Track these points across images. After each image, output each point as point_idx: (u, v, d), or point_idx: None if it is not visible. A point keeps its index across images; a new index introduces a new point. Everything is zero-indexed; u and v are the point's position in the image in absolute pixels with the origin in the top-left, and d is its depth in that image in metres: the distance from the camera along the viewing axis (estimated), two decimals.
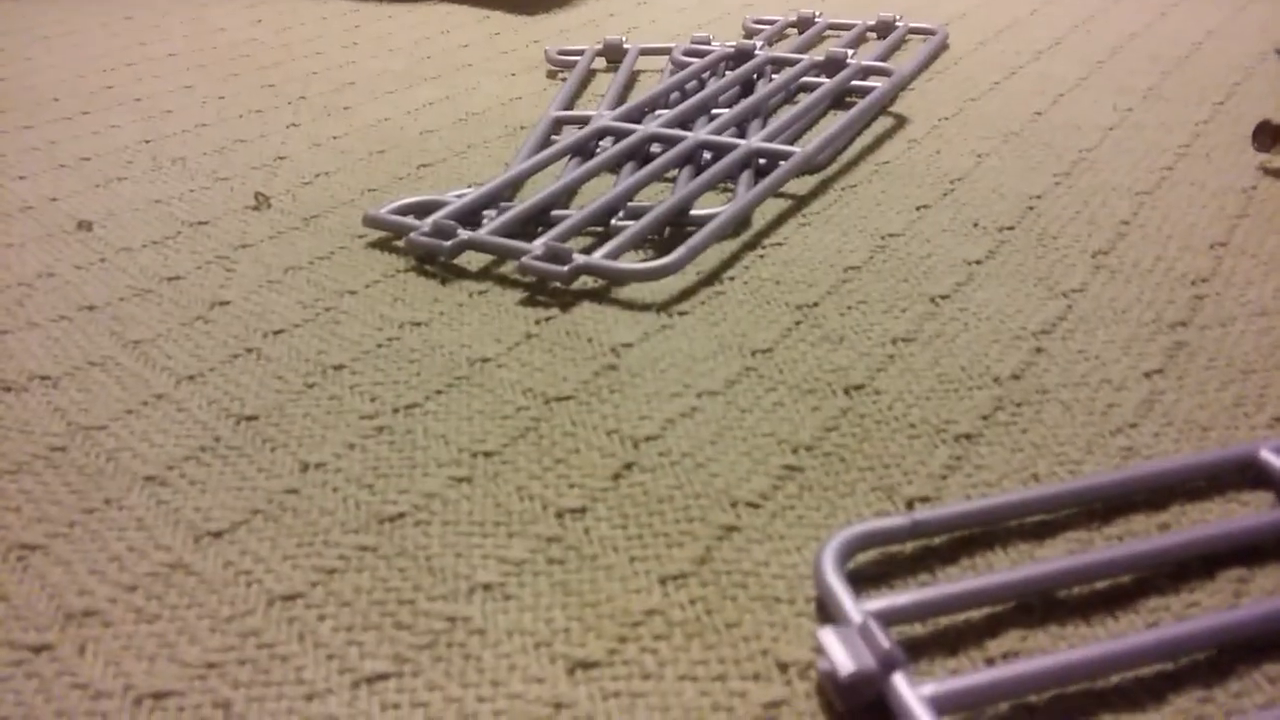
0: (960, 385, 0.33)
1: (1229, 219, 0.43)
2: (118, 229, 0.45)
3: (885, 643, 0.20)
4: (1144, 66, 0.62)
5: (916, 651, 0.23)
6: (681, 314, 0.38)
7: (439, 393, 0.33)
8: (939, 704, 0.19)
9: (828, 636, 0.21)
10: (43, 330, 0.37)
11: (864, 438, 0.31)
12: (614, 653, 0.23)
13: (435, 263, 0.42)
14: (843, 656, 0.20)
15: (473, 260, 0.42)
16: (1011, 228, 0.43)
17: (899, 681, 0.20)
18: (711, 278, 0.40)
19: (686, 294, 0.39)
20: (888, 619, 0.21)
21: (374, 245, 0.44)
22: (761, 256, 0.42)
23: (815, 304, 0.38)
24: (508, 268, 0.41)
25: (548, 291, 0.39)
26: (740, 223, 0.44)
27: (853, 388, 0.33)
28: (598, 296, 0.39)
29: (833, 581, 0.22)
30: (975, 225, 0.43)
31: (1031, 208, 0.45)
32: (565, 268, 0.38)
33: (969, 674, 0.20)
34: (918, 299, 0.38)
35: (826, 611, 0.23)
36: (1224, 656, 0.22)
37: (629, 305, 0.38)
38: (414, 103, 0.62)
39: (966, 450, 0.30)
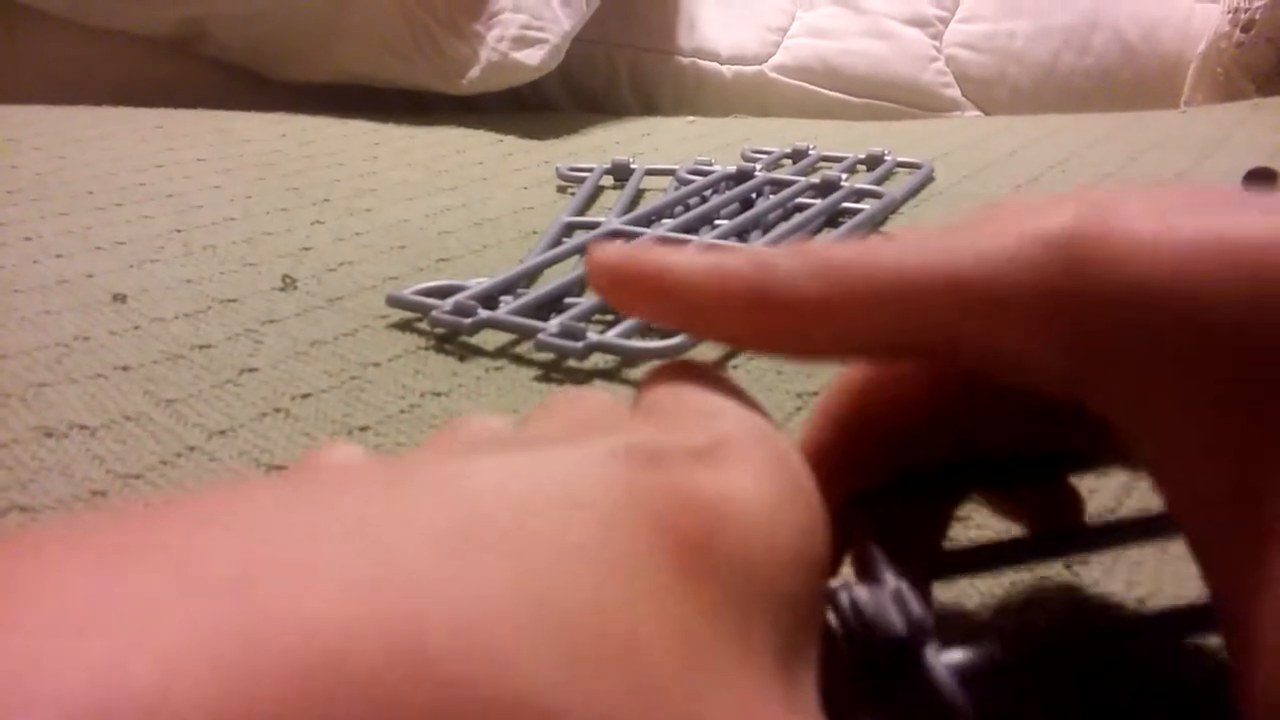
0: None
1: None
2: (151, 303, 0.47)
3: (918, 610, 0.21)
4: None
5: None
6: None
7: None
8: (968, 675, 0.20)
9: (860, 594, 0.22)
10: (80, 386, 0.39)
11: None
12: None
13: (455, 341, 0.44)
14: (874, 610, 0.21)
15: (490, 341, 0.44)
16: None
17: (930, 655, 0.20)
18: (717, 365, 0.42)
19: None
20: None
21: (395, 326, 0.46)
22: None
23: (815, 392, 0.40)
24: (524, 348, 0.43)
25: (562, 370, 0.42)
26: None
27: None
28: (610, 375, 0.41)
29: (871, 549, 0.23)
30: None
31: None
32: (579, 344, 0.40)
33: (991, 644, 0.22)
34: None
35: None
36: None
37: (638, 386, 0.40)
38: (432, 208, 0.65)
39: (956, 529, 0.31)
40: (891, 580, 0.21)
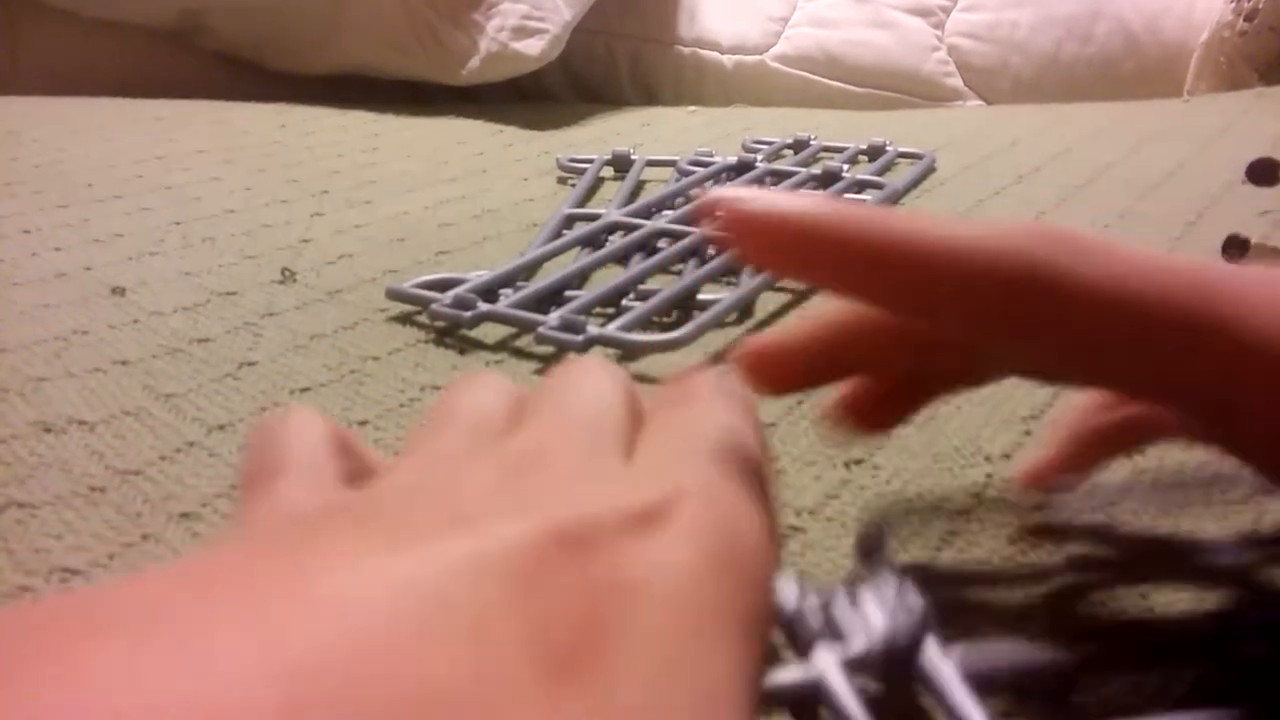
0: (954, 464, 0.35)
1: None
2: (150, 295, 0.47)
3: (918, 607, 0.21)
4: (1119, 191, 0.66)
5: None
6: None
7: None
8: (970, 672, 0.20)
9: (867, 600, 0.22)
10: (79, 380, 0.39)
11: (864, 508, 0.32)
12: None
13: (455, 334, 0.44)
14: (879, 620, 0.21)
15: (490, 335, 0.44)
16: None
17: (931, 651, 0.21)
18: (717, 359, 0.42)
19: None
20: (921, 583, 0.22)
21: (395, 319, 0.46)
22: None
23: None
24: (524, 342, 0.43)
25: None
26: (744, 310, 0.47)
27: (852, 462, 0.35)
28: None
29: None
30: None
31: None
32: (580, 337, 0.40)
33: (996, 642, 0.22)
34: None
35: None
36: None
37: (638, 379, 0.40)
38: (432, 200, 0.65)
39: (959, 525, 0.31)
40: (894, 580, 0.22)
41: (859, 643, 0.21)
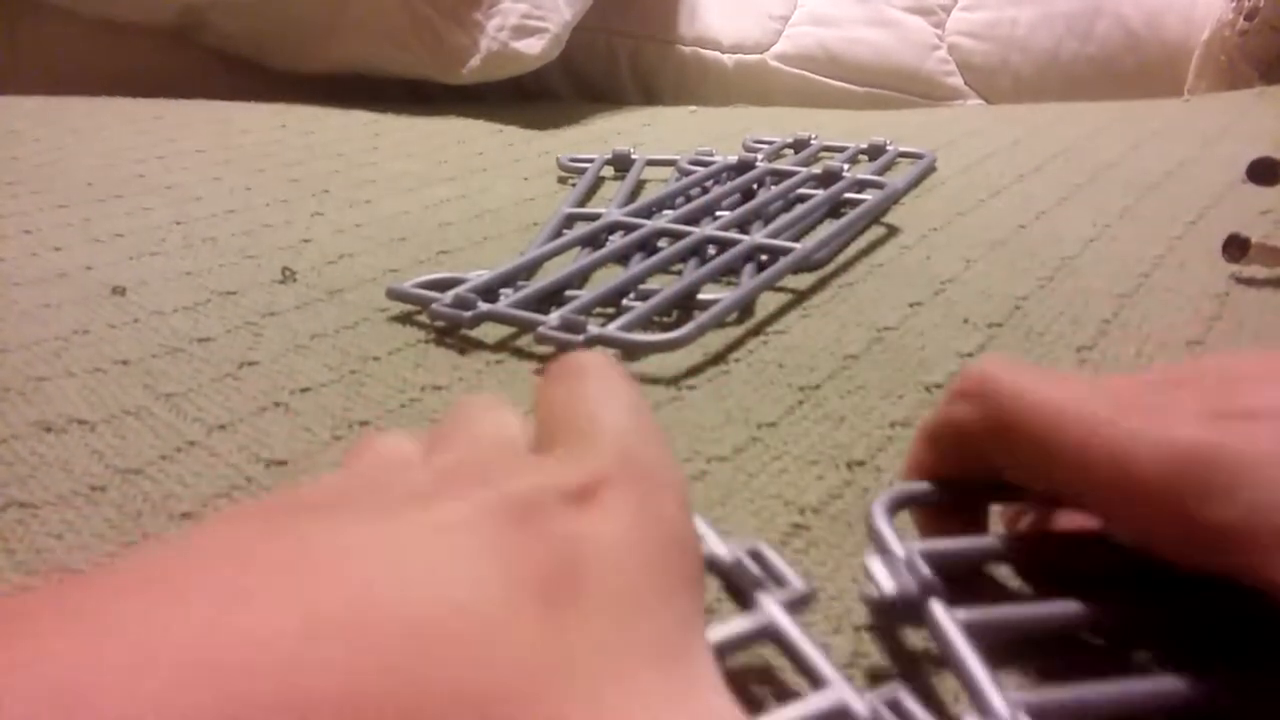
0: None
1: (1204, 320, 0.46)
2: (150, 295, 0.47)
3: (926, 571, 0.22)
4: (1120, 190, 0.66)
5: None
6: (690, 388, 0.40)
7: None
8: (973, 629, 0.21)
9: (874, 563, 0.23)
10: (79, 380, 0.39)
11: (867, 509, 0.32)
12: None
13: (455, 334, 0.44)
14: (886, 579, 0.22)
15: (490, 335, 0.44)
16: (1000, 324, 0.45)
17: (936, 605, 0.22)
18: (717, 358, 0.42)
19: (694, 371, 0.41)
20: (930, 559, 0.23)
21: (396, 319, 0.46)
22: (765, 342, 0.44)
23: (817, 386, 0.40)
24: (524, 341, 0.43)
25: None
26: (744, 310, 0.46)
27: (855, 463, 0.35)
28: None
29: (881, 524, 0.24)
30: (966, 321, 0.46)
31: (1018, 307, 0.47)
32: (580, 337, 0.40)
33: (1003, 605, 0.23)
34: (914, 387, 0.40)
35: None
36: None
37: (638, 378, 0.40)
38: (432, 199, 0.65)
39: None
40: (901, 550, 0.23)
41: (798, 585, 0.23)
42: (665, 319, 0.46)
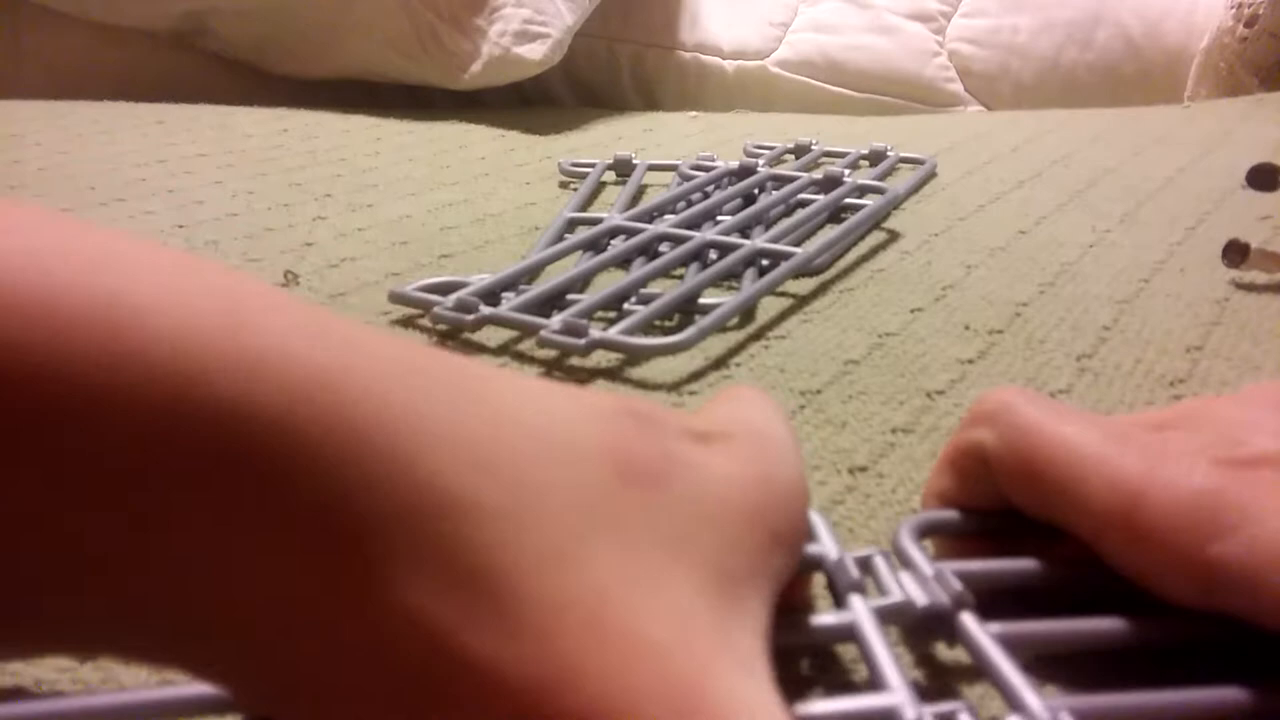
0: None
1: (1203, 326, 0.46)
2: None
3: (957, 585, 0.22)
4: (1119, 196, 0.66)
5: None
6: (691, 393, 0.40)
7: None
8: (1007, 640, 0.21)
9: (904, 579, 0.23)
10: None
11: (870, 515, 0.32)
12: None
13: (457, 338, 0.44)
14: (918, 592, 0.22)
15: (492, 338, 0.44)
16: (1001, 331, 0.46)
17: (968, 618, 0.22)
18: (719, 363, 0.42)
19: (696, 376, 0.41)
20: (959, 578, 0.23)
21: (398, 322, 0.46)
22: (766, 347, 0.44)
23: (818, 391, 0.40)
24: (526, 345, 0.43)
25: (564, 369, 0.42)
26: (745, 315, 0.47)
27: (857, 468, 0.35)
28: (612, 375, 0.41)
29: (908, 544, 0.24)
30: (966, 328, 0.46)
31: (1018, 313, 0.47)
32: (582, 341, 0.40)
33: (1036, 619, 0.23)
34: (915, 393, 0.40)
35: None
36: None
37: (641, 384, 0.40)
38: (434, 204, 0.65)
39: None
40: (930, 568, 0.23)
41: (896, 596, 0.23)
42: (666, 323, 0.46)
